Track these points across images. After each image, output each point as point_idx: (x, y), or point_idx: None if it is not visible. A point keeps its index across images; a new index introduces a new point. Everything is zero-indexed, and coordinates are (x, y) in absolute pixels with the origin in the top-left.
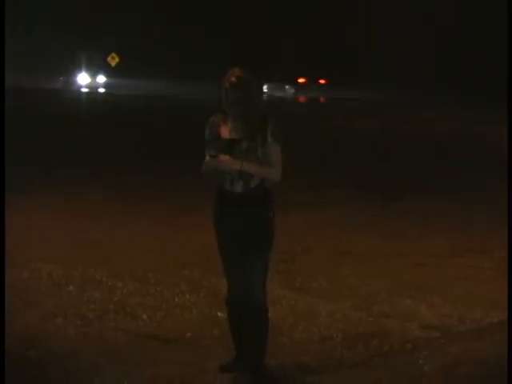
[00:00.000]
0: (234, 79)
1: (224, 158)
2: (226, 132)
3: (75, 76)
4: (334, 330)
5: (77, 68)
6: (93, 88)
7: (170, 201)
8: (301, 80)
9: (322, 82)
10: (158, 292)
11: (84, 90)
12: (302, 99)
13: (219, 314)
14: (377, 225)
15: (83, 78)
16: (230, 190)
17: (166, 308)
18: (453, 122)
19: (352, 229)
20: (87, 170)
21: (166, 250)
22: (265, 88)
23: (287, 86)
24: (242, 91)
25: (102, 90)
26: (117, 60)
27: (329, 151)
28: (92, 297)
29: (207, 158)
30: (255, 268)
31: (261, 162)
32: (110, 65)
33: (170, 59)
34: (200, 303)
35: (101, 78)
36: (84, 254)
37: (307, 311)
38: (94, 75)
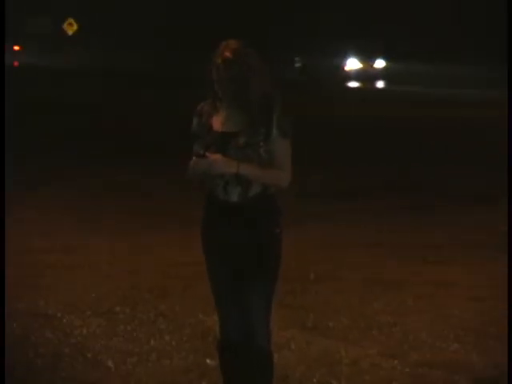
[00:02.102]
0: (228, 54)
1: (215, 157)
2: (218, 123)
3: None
4: (359, 383)
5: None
6: (366, 78)
7: (141, 212)
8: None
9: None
10: (128, 331)
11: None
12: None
13: (208, 361)
14: (418, 244)
15: (353, 63)
16: (223, 199)
17: (139, 353)
18: None
19: (384, 248)
20: None
21: (138, 275)
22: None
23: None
24: (238, 69)
25: (380, 85)
26: (75, 27)
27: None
28: (42, 337)
29: (194, 157)
30: (256, 301)
31: (263, 163)
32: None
33: None
34: (183, 347)
35: (379, 63)
36: (31, 280)
37: (323, 358)
38: (368, 59)
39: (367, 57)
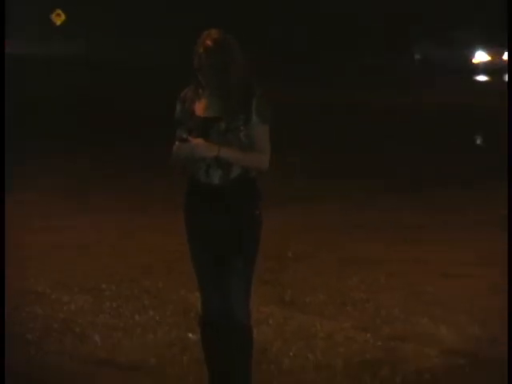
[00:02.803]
0: (209, 42)
1: (197, 141)
2: (200, 109)
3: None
4: (334, 355)
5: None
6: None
7: (128, 192)
8: None
9: None
10: (114, 308)
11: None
12: None
13: (190, 335)
14: (398, 225)
15: (481, 56)
16: (205, 182)
17: (124, 327)
18: None
19: (358, 230)
20: None
21: (124, 253)
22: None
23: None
24: (219, 57)
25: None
26: (63, 18)
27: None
28: (32, 313)
29: (177, 142)
30: (237, 279)
31: (244, 147)
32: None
33: None
34: (166, 322)
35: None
36: (21, 259)
37: (300, 332)
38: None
39: (496, 49)
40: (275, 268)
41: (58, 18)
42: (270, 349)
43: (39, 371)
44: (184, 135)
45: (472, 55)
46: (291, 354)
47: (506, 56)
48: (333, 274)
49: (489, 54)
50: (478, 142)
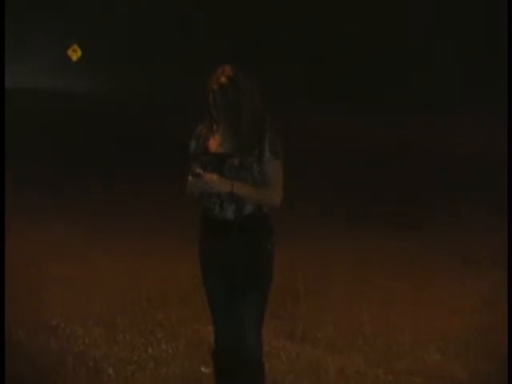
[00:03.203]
0: (224, 79)
1: (211, 177)
2: (214, 145)
3: None
4: None
5: None
6: None
7: (142, 224)
8: None
9: None
10: (128, 341)
11: None
12: None
13: (203, 368)
14: (405, 260)
15: None
16: (218, 217)
17: (138, 361)
18: None
19: (372, 265)
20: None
21: (137, 286)
22: None
23: None
24: (233, 94)
25: None
26: (79, 54)
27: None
28: (46, 346)
29: (190, 177)
30: (249, 313)
31: (257, 183)
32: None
33: None
34: (179, 355)
35: None
36: (35, 291)
37: (311, 366)
38: None
39: None
40: (286, 302)
41: (75, 53)
42: (282, 382)
43: None
44: (198, 170)
45: None
46: None
47: None
48: (343, 308)
49: None
50: None
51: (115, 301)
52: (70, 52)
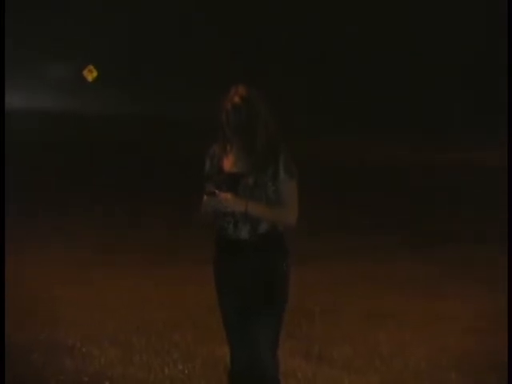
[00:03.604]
0: (237, 99)
1: (225, 196)
2: (228, 165)
3: None
4: None
5: None
6: None
7: (152, 246)
8: None
9: None
10: (144, 361)
11: None
12: None
13: None
14: (417, 278)
15: None
16: (233, 236)
17: (154, 381)
18: None
19: (385, 284)
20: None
21: (153, 306)
22: None
23: None
24: (246, 114)
25: None
26: (95, 74)
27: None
28: (62, 366)
29: (205, 196)
30: (265, 332)
31: (271, 202)
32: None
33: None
34: (195, 375)
35: None
36: (51, 313)
37: None
38: None
39: None
40: (302, 322)
41: (90, 74)
42: None
43: None
44: (212, 189)
45: None
46: None
47: None
48: (358, 328)
49: None
50: None
51: (131, 321)
52: (85, 72)
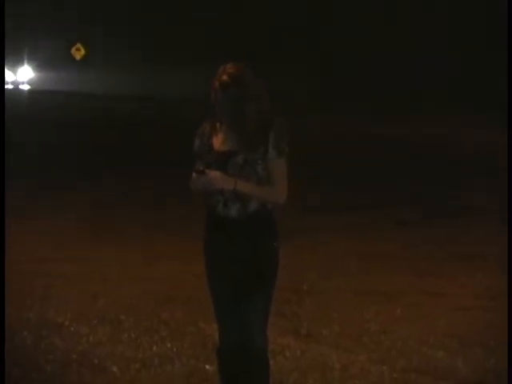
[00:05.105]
0: (225, 77)
1: (215, 174)
2: (218, 143)
3: None
4: None
5: None
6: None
7: (142, 222)
8: None
9: None
10: (133, 339)
11: None
12: None
13: (207, 366)
14: (409, 257)
15: None
16: (222, 215)
17: (142, 359)
18: None
19: (376, 261)
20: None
21: (142, 284)
22: None
23: None
24: (235, 92)
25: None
26: (83, 52)
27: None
28: (51, 345)
29: (194, 174)
30: (254, 310)
31: (261, 180)
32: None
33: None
34: (184, 353)
35: None
36: (41, 290)
37: (316, 364)
38: None
39: None
40: (291, 300)
41: (78, 52)
42: (287, 380)
43: None
44: (200, 167)
45: None
46: None
47: None
48: (348, 305)
49: None
50: None
51: (120, 299)
52: (73, 51)
